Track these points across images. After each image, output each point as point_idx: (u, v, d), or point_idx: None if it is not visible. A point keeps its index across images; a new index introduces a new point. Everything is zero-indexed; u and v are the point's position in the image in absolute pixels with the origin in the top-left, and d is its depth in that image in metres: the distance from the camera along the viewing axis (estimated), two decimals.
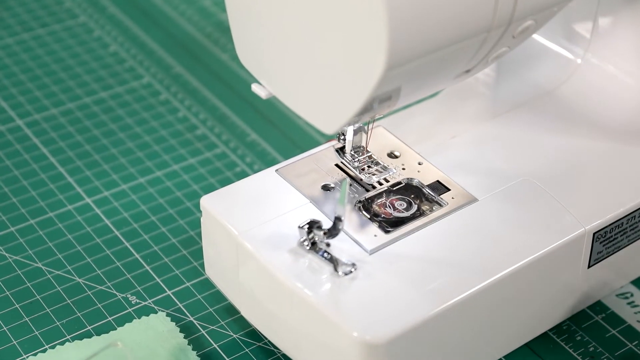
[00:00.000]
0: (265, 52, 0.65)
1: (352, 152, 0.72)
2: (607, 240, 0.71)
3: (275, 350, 0.72)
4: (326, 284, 0.65)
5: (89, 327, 0.74)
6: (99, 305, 0.75)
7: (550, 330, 0.73)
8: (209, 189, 0.85)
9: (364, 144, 0.72)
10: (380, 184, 0.71)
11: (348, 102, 0.60)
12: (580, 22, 0.80)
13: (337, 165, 0.73)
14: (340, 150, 0.73)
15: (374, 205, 0.70)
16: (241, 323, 0.74)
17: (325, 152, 0.74)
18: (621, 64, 0.78)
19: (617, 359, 0.72)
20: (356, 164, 0.72)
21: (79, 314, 0.75)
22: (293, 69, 0.63)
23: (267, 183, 0.72)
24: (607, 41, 0.79)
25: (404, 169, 0.73)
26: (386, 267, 0.66)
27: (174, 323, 0.73)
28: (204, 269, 0.76)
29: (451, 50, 0.59)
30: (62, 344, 0.72)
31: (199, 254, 0.79)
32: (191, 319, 0.75)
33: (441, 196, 0.70)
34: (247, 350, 0.72)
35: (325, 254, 0.66)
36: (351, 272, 0.65)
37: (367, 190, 0.71)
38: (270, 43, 0.64)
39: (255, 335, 0.73)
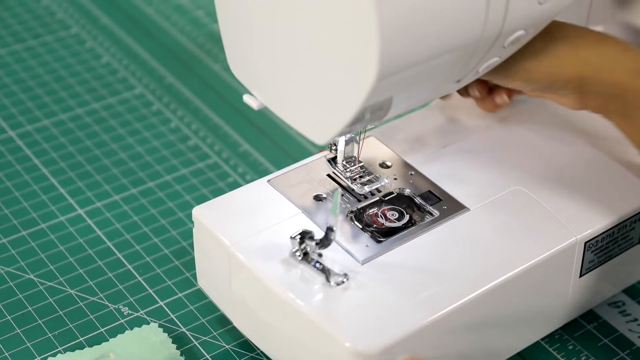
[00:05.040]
0: (256, 63, 0.65)
1: (344, 163, 0.72)
2: (599, 249, 0.71)
3: None
4: (318, 294, 0.65)
5: (81, 339, 0.74)
6: (91, 317, 0.75)
7: (542, 339, 0.73)
8: (201, 199, 0.85)
9: (355, 154, 0.72)
10: (372, 194, 0.71)
11: (340, 113, 0.61)
12: None
13: (329, 175, 0.73)
14: (332, 161, 0.73)
15: (365, 216, 0.70)
16: (234, 334, 0.74)
17: (317, 163, 0.74)
18: None
19: None
20: (348, 174, 0.72)
21: (71, 326, 0.75)
22: (284, 80, 0.63)
23: (259, 193, 0.72)
24: None
25: (395, 179, 0.73)
26: (378, 276, 0.66)
27: (167, 334, 0.73)
28: (196, 280, 0.76)
29: (442, 61, 0.59)
30: (54, 355, 0.72)
31: (191, 265, 0.79)
32: (183, 329, 0.75)
33: (433, 206, 0.71)
34: None
35: (318, 264, 0.66)
36: (343, 282, 0.65)
37: (359, 201, 0.71)
38: (262, 54, 0.64)
39: (247, 345, 0.73)
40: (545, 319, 0.72)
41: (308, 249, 0.66)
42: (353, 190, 0.71)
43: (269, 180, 0.73)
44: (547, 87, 0.67)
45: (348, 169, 0.72)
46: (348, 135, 0.71)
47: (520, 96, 0.79)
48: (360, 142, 0.72)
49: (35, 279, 0.78)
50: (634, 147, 0.67)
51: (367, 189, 0.71)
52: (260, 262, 0.67)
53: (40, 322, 0.75)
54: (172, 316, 0.76)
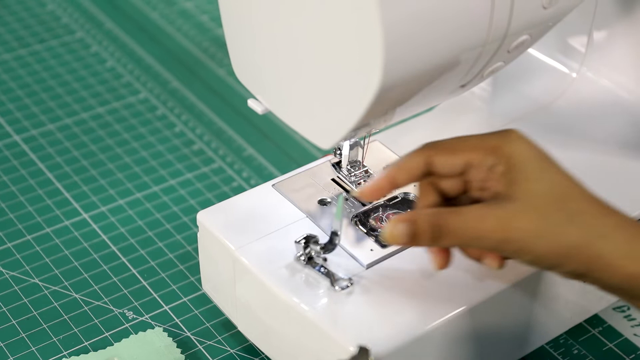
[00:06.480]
0: (261, 67, 0.65)
1: (349, 167, 0.72)
2: None
3: None
4: (323, 299, 0.65)
5: (86, 343, 0.74)
6: (96, 321, 0.75)
7: (547, 343, 0.73)
8: (206, 204, 0.85)
9: (360, 158, 0.72)
10: None
11: (344, 118, 0.61)
12: (576, 36, 0.80)
13: (333, 179, 0.73)
14: (337, 165, 0.73)
15: (370, 220, 0.70)
16: (238, 338, 0.74)
17: (322, 167, 0.74)
18: (616, 77, 0.79)
19: None
20: (352, 179, 0.72)
21: (75, 330, 0.75)
22: (289, 85, 0.63)
23: (263, 198, 0.72)
24: (602, 55, 0.79)
25: None
26: (383, 281, 0.66)
27: (171, 338, 0.73)
28: (200, 284, 0.76)
29: (446, 66, 0.59)
30: None
31: (195, 269, 0.79)
32: (188, 334, 0.75)
33: None
34: None
35: (322, 269, 0.66)
36: (348, 286, 0.65)
37: (364, 205, 0.71)
38: (266, 59, 0.64)
39: (252, 350, 0.73)
40: (550, 323, 0.72)
41: (312, 254, 0.66)
42: None
43: (273, 185, 0.73)
44: (546, 269, 0.60)
45: (352, 174, 0.72)
46: (352, 140, 0.71)
47: (523, 103, 0.79)
48: (365, 147, 0.72)
49: (40, 283, 0.79)
50: None
51: None
52: (265, 267, 0.67)
53: (45, 326, 0.75)
54: (177, 320, 0.76)
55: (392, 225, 0.60)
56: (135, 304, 0.77)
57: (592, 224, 0.58)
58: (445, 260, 0.62)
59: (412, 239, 0.60)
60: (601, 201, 0.60)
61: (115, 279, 0.79)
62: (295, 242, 0.66)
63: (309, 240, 0.66)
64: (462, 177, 0.61)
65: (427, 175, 0.62)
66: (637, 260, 0.58)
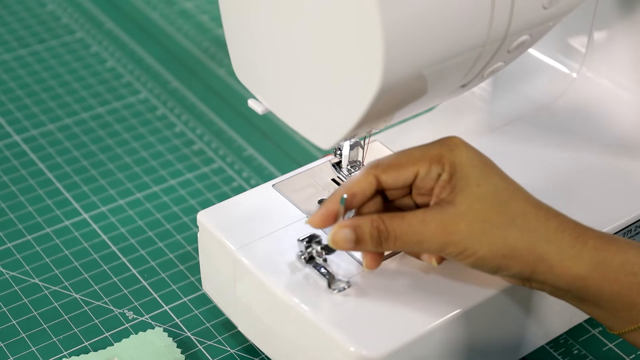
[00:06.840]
0: (261, 68, 0.65)
1: (349, 167, 0.72)
2: None
3: None
4: (323, 299, 0.65)
5: (86, 343, 0.74)
6: (96, 321, 0.75)
7: (547, 343, 0.73)
8: (206, 204, 0.85)
9: (360, 158, 0.72)
10: None
11: (344, 118, 0.61)
12: (576, 36, 0.80)
13: (333, 180, 0.73)
14: (337, 165, 0.73)
15: None
16: (238, 338, 0.74)
17: (322, 167, 0.74)
18: (616, 77, 0.79)
19: None
20: None
21: (76, 330, 0.75)
22: (289, 85, 0.63)
23: (264, 198, 0.72)
24: (602, 55, 0.79)
25: None
26: (383, 281, 0.66)
27: (171, 338, 0.73)
28: (201, 284, 0.76)
29: (446, 66, 0.59)
30: None
31: (196, 269, 0.79)
32: (188, 334, 0.75)
33: None
34: None
35: (322, 269, 0.66)
36: (344, 288, 0.65)
37: None
38: (266, 59, 0.64)
39: (252, 350, 0.73)
40: (550, 323, 0.72)
41: (314, 253, 0.66)
42: None
43: (273, 185, 0.73)
44: (492, 272, 0.61)
45: (353, 174, 0.72)
46: (353, 140, 0.71)
47: (523, 103, 0.79)
48: (365, 147, 0.72)
49: (40, 283, 0.79)
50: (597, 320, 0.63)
51: None
52: (265, 267, 0.67)
53: (45, 326, 0.75)
54: (177, 320, 0.76)
55: (335, 230, 0.61)
56: (135, 304, 0.77)
57: (534, 226, 0.59)
58: (376, 260, 0.63)
59: (356, 244, 0.61)
60: (544, 205, 0.61)
61: (115, 279, 0.79)
62: (299, 240, 0.66)
63: (312, 239, 0.66)
64: (408, 185, 0.62)
65: (377, 193, 0.63)
66: (581, 261, 0.59)
